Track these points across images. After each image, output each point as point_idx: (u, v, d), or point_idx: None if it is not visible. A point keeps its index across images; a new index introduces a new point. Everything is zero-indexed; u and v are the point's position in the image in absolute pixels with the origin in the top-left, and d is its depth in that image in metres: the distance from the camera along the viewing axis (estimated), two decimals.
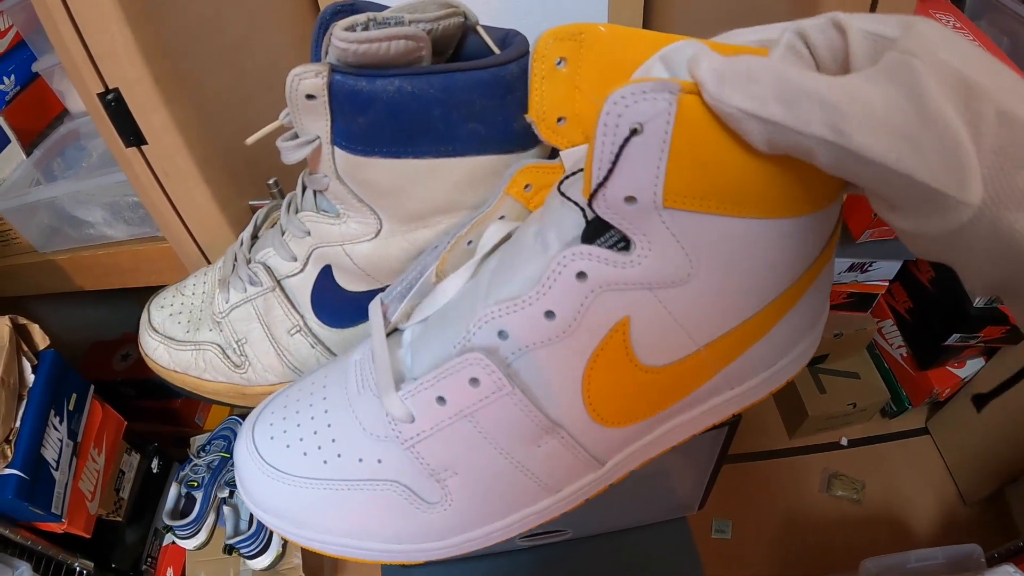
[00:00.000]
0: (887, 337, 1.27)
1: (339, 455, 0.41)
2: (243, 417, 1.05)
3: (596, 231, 0.33)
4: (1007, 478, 1.13)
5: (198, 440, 1.07)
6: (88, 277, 0.94)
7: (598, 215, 0.31)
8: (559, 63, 0.37)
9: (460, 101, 0.41)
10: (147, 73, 0.54)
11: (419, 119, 0.41)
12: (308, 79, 0.39)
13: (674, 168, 0.28)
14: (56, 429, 0.90)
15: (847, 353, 1.23)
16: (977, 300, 1.01)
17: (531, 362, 0.36)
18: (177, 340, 0.54)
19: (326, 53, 0.42)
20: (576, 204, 0.34)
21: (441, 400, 0.37)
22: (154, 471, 1.10)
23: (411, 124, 0.41)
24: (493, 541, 0.44)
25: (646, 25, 0.68)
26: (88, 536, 0.95)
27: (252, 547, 0.97)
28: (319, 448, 0.42)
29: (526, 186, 0.42)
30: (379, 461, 0.40)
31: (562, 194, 0.35)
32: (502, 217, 0.42)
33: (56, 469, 0.89)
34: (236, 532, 0.99)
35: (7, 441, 0.84)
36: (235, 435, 1.05)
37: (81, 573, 0.97)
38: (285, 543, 1.01)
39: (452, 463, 0.40)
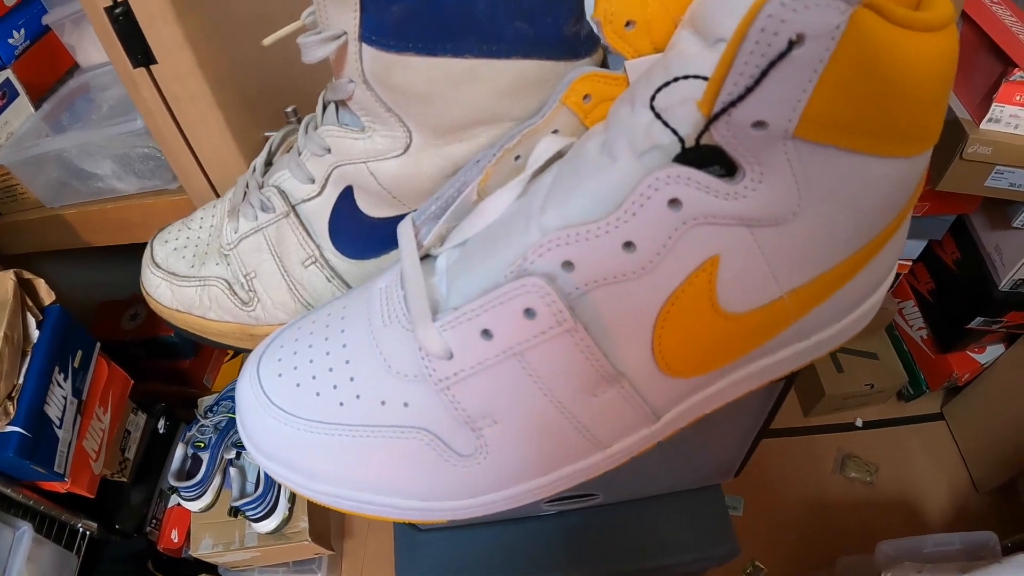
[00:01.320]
0: (908, 318, 1.20)
1: (358, 396, 0.34)
2: (210, 344, 0.98)
3: (695, 154, 0.26)
4: (1020, 468, 1.06)
5: (205, 401, 1.00)
6: (96, 232, 0.88)
7: (701, 139, 0.25)
8: None
9: None
10: None
11: (460, 11, 0.33)
12: None
13: (821, 93, 0.23)
14: (60, 386, 0.83)
15: (866, 333, 1.14)
16: (1003, 283, 0.95)
17: (598, 299, 0.29)
18: (181, 275, 0.46)
19: None
20: (669, 127, 0.27)
21: (487, 333, 0.30)
22: (161, 431, 1.03)
23: (451, 16, 0.33)
24: (528, 500, 0.37)
25: None
26: (92, 496, 0.88)
27: (258, 510, 0.89)
28: (335, 387, 0.34)
29: (585, 96, 0.34)
30: (405, 404, 0.33)
31: (654, 111, 0.27)
32: (555, 131, 0.35)
33: (60, 427, 0.83)
34: (242, 494, 0.92)
35: (9, 398, 0.78)
36: None
37: (84, 534, 0.91)
38: (291, 506, 0.93)
39: (492, 410, 0.32)
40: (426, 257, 0.35)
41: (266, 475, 0.91)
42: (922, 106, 0.26)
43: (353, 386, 0.34)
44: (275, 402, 0.35)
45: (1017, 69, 0.72)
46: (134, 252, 1.09)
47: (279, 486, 0.92)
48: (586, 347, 0.30)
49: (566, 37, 0.36)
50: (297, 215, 0.42)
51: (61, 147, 0.81)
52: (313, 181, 0.41)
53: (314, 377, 0.35)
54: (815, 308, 0.32)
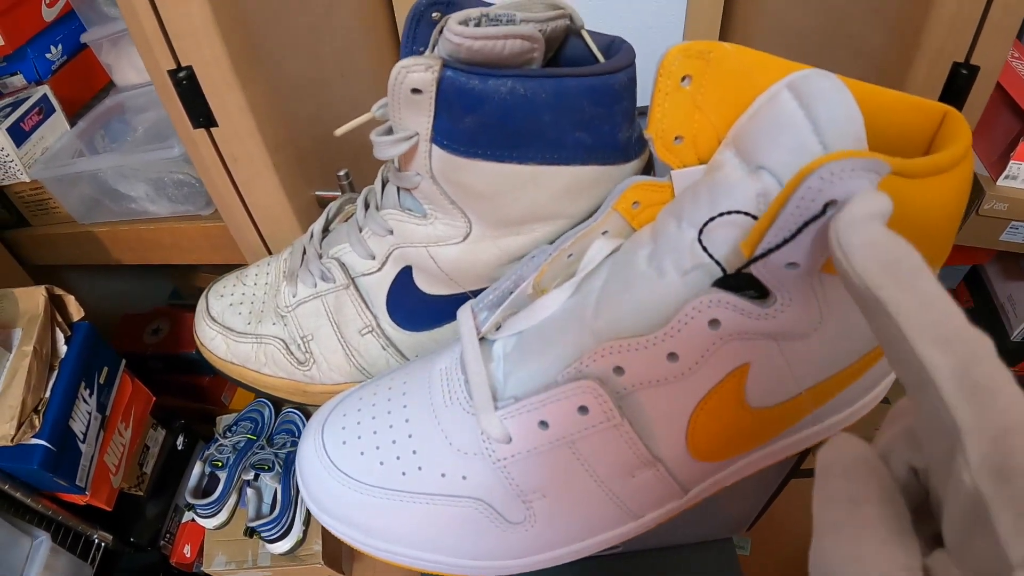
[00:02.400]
0: None
1: (420, 468, 0.39)
2: (272, 400, 1.02)
3: (734, 280, 0.31)
4: None
5: (224, 420, 1.04)
6: (126, 251, 0.92)
7: (742, 271, 0.30)
8: (684, 81, 0.35)
9: (571, 107, 0.38)
10: (224, 52, 0.51)
11: (528, 123, 0.38)
12: (417, 72, 0.36)
13: None
14: (86, 402, 0.87)
15: None
16: (1016, 333, 0.99)
17: (642, 398, 0.34)
18: (237, 331, 0.51)
19: (432, 47, 0.39)
20: (712, 258, 0.32)
21: (543, 424, 0.35)
22: (179, 448, 1.07)
23: (519, 128, 0.38)
24: (566, 560, 0.42)
25: (723, 36, 0.65)
26: (109, 509, 0.92)
27: (273, 531, 0.93)
28: (398, 458, 0.39)
29: (634, 203, 0.39)
30: (464, 477, 0.38)
31: (701, 244, 0.32)
32: (605, 232, 0.39)
33: (83, 442, 0.86)
34: (258, 515, 0.96)
35: (36, 411, 0.81)
36: (262, 418, 1.02)
37: (100, 545, 0.95)
38: (306, 529, 0.98)
39: (543, 486, 0.37)
40: (482, 340, 0.40)
41: (283, 497, 0.95)
42: (936, 237, 0.31)
43: (415, 458, 0.38)
44: (339, 466, 0.40)
45: None
46: (158, 267, 1.14)
47: (295, 509, 0.96)
48: (629, 438, 0.35)
49: (619, 143, 0.41)
50: (356, 287, 0.47)
51: (96, 167, 0.84)
52: (374, 258, 0.46)
53: (378, 447, 0.39)
54: (830, 401, 0.38)
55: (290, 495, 0.95)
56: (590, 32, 0.43)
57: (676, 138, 0.37)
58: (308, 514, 0.98)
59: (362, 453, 0.40)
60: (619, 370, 0.34)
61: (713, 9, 0.65)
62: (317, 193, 0.60)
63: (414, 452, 0.39)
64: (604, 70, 0.39)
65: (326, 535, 0.98)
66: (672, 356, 0.33)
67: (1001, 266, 1.02)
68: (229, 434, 0.99)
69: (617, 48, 0.41)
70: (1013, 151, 0.77)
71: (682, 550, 0.64)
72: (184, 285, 1.26)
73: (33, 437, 0.80)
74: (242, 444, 0.98)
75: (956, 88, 0.55)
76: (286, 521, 0.94)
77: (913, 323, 0.18)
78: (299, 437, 1.00)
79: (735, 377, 0.34)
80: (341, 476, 0.40)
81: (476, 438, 0.37)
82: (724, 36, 0.65)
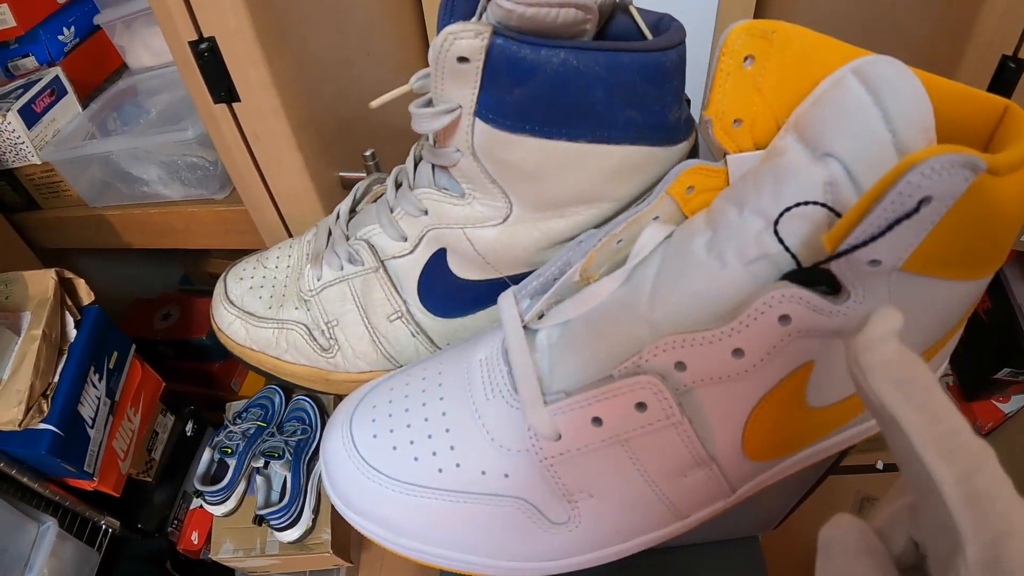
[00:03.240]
0: None
1: (458, 464, 0.35)
2: (282, 387, 0.99)
3: (807, 274, 0.29)
4: None
5: (234, 406, 1.01)
6: (138, 235, 0.89)
7: (820, 266, 0.28)
8: (747, 61, 0.32)
9: (624, 84, 0.35)
10: (249, 24, 0.48)
11: (580, 98, 0.35)
12: (465, 39, 0.33)
13: (933, 238, 0.26)
14: (95, 387, 0.84)
15: None
16: None
17: (703, 395, 0.32)
18: (257, 316, 0.47)
19: (480, 14, 0.35)
20: (789, 251, 0.29)
21: (597, 421, 0.32)
22: (188, 434, 1.04)
23: (571, 103, 0.35)
24: (608, 561, 0.39)
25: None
26: (117, 495, 0.89)
27: (282, 520, 0.90)
28: (434, 454, 0.36)
29: (688, 188, 0.35)
30: (506, 475, 0.35)
31: (777, 235, 0.29)
32: (656, 218, 0.36)
33: (92, 427, 0.84)
34: (267, 503, 0.93)
35: (44, 396, 0.78)
36: (272, 404, 0.99)
37: (107, 531, 0.92)
38: (315, 517, 0.95)
39: (590, 486, 0.34)
40: (524, 329, 0.36)
41: (292, 485, 0.92)
42: (1004, 236, 0.29)
43: (453, 454, 0.35)
44: (369, 462, 0.37)
45: None
46: (169, 252, 1.10)
47: (304, 497, 0.93)
48: (687, 437, 0.32)
49: (669, 123, 0.37)
50: (386, 271, 0.44)
51: (108, 150, 0.81)
52: (406, 239, 0.43)
53: (412, 442, 0.36)
54: None
55: (300, 483, 0.92)
56: (639, 9, 0.39)
57: (735, 121, 0.34)
58: (317, 502, 0.95)
59: (395, 448, 0.36)
60: (681, 365, 0.30)
61: None
62: (341, 174, 0.56)
63: (452, 448, 0.35)
64: (657, 46, 0.35)
65: (335, 524, 0.95)
66: (737, 352, 0.30)
67: (1020, 268, 0.99)
68: (239, 421, 0.96)
69: (666, 26, 0.38)
70: None
71: (708, 547, 0.61)
72: (195, 270, 1.23)
73: (41, 422, 0.77)
74: (252, 431, 0.95)
75: (1004, 81, 0.52)
76: (295, 510, 0.91)
77: (922, 438, 0.20)
78: (309, 424, 0.97)
79: (798, 375, 0.31)
80: (371, 472, 0.37)
81: (521, 434, 0.33)
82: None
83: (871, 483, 1.17)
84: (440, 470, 0.35)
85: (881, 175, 0.28)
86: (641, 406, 0.31)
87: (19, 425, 0.72)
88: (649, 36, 0.38)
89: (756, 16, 0.62)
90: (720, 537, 0.62)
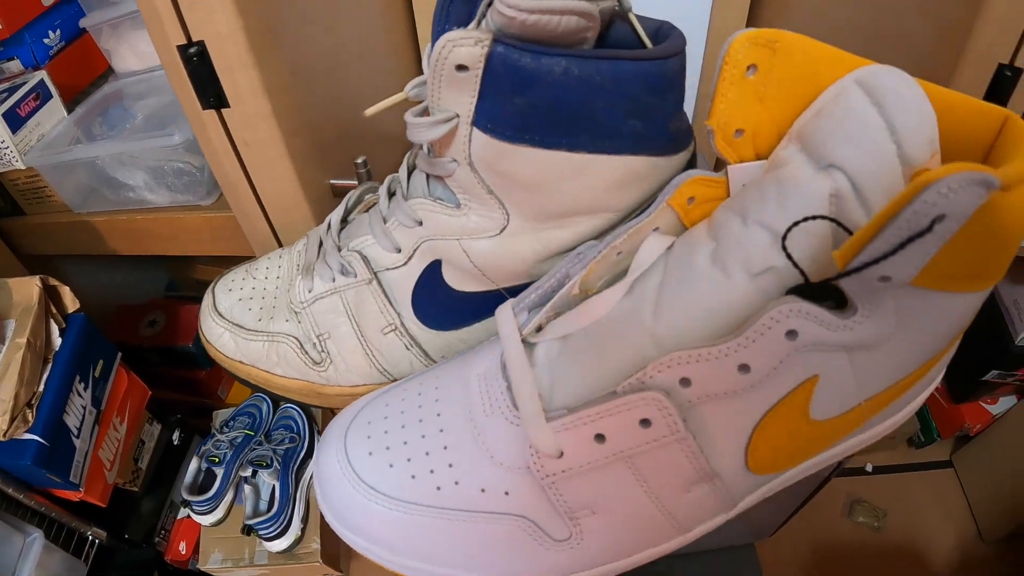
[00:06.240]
0: None
1: (457, 482, 0.34)
2: (270, 396, 0.97)
3: (814, 289, 0.28)
4: None
5: (221, 415, 1.00)
6: (123, 241, 0.87)
7: (831, 282, 0.27)
8: (749, 70, 0.32)
9: (626, 94, 0.34)
10: (240, 27, 0.46)
11: (582, 107, 0.34)
12: (464, 47, 0.32)
13: (943, 254, 0.25)
14: (80, 396, 0.83)
15: None
16: (1020, 338, 0.96)
17: (707, 411, 0.31)
18: (247, 329, 0.46)
19: (479, 21, 0.34)
20: (797, 266, 0.29)
21: (600, 438, 0.31)
22: (175, 443, 1.02)
23: (572, 112, 0.34)
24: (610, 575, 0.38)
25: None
26: (104, 506, 0.87)
27: (271, 529, 0.89)
28: (432, 472, 0.35)
29: (690, 199, 0.35)
30: (506, 493, 0.34)
31: (785, 250, 0.29)
32: (656, 229, 0.35)
33: (77, 437, 0.82)
34: (255, 513, 0.92)
35: (29, 405, 0.77)
36: (260, 413, 0.97)
37: (94, 542, 0.90)
38: (304, 527, 0.93)
39: (593, 502, 0.33)
40: (522, 343, 0.35)
41: (280, 495, 0.91)
42: (1006, 250, 0.28)
43: (452, 472, 0.34)
44: (365, 480, 0.36)
45: None
46: (155, 259, 1.08)
47: (293, 506, 0.92)
48: (692, 453, 0.32)
49: (671, 132, 0.37)
50: (379, 282, 0.42)
51: (94, 155, 0.80)
52: (399, 251, 0.41)
53: (409, 460, 0.35)
54: (882, 411, 0.35)
55: (288, 492, 0.91)
56: (637, 16, 0.38)
57: (737, 131, 0.34)
58: (306, 511, 0.94)
59: (391, 465, 0.35)
60: (686, 381, 0.30)
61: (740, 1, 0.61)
62: (332, 182, 0.55)
63: (450, 465, 0.34)
64: (658, 55, 0.35)
65: (324, 533, 0.94)
66: (744, 368, 0.29)
67: (1007, 272, 0.99)
68: (226, 429, 0.95)
69: (666, 33, 0.37)
70: None
71: (704, 556, 0.60)
72: (180, 277, 1.21)
73: (26, 432, 0.76)
74: (239, 440, 0.93)
75: (1000, 89, 0.52)
76: (284, 519, 0.90)
77: None
78: (297, 432, 0.95)
79: (803, 390, 0.31)
80: (367, 490, 0.35)
81: (522, 452, 0.33)
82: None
83: (860, 485, 1.17)
84: (438, 488, 0.34)
85: (886, 187, 0.28)
86: (645, 422, 0.30)
87: (3, 435, 0.70)
88: (649, 44, 0.37)
89: (748, 25, 0.62)
90: (716, 546, 0.61)
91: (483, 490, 0.34)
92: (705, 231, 0.33)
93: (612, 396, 0.30)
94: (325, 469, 0.37)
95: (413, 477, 0.35)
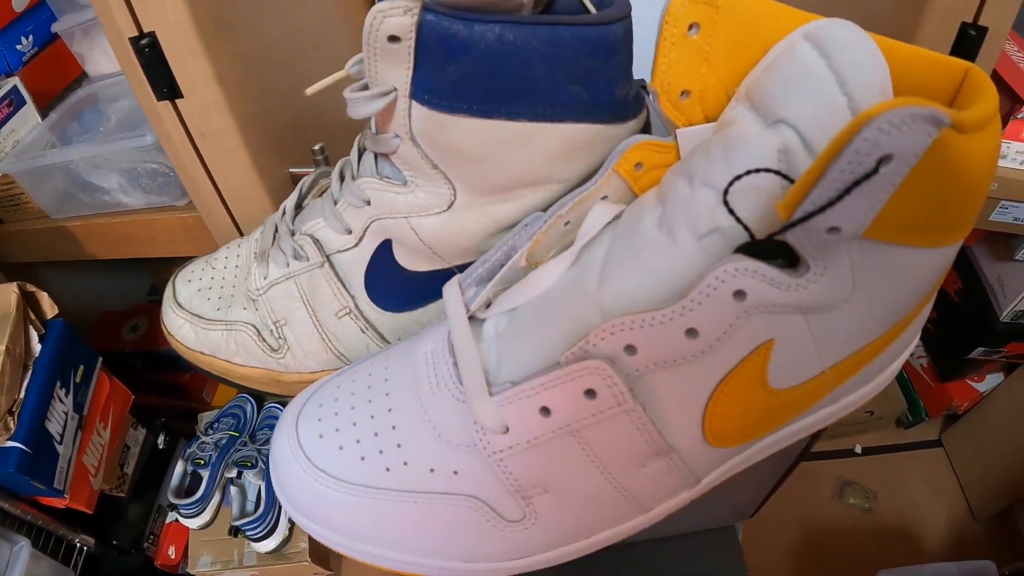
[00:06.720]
0: None
1: (405, 463, 0.33)
2: (254, 396, 0.97)
3: (762, 247, 0.27)
4: (1017, 496, 1.06)
5: (206, 417, 0.99)
6: (101, 245, 0.87)
7: (774, 237, 0.26)
8: (691, 29, 0.31)
9: (566, 59, 0.33)
10: (188, 16, 0.46)
11: (519, 75, 0.33)
12: (394, 17, 0.31)
13: (896, 201, 0.24)
14: (62, 402, 0.82)
15: None
16: (1005, 314, 0.95)
17: (656, 380, 0.30)
18: (206, 318, 0.45)
19: None
20: (740, 221, 0.27)
21: (545, 411, 0.30)
22: (160, 447, 1.01)
23: (509, 79, 0.33)
24: (569, 559, 0.37)
25: None
26: (90, 512, 0.86)
27: (258, 530, 0.88)
28: (380, 453, 0.34)
29: (637, 164, 0.34)
30: (455, 472, 0.33)
31: (727, 206, 0.28)
32: (605, 197, 0.34)
33: (60, 443, 0.81)
34: (242, 514, 0.91)
35: (10, 413, 0.76)
36: (244, 414, 0.96)
37: (82, 549, 0.89)
38: (292, 526, 0.92)
39: (544, 480, 0.32)
40: (471, 319, 0.34)
41: (267, 495, 0.90)
42: (972, 199, 0.27)
43: (400, 452, 0.33)
44: (316, 463, 0.35)
45: None
46: (136, 263, 1.08)
47: (279, 506, 0.91)
48: (642, 425, 0.30)
49: (616, 100, 0.36)
50: (332, 265, 0.42)
51: (68, 159, 0.79)
52: (350, 232, 0.41)
53: (358, 441, 0.34)
54: (851, 379, 0.33)
55: (274, 492, 0.90)
56: None
57: (682, 93, 0.32)
58: None
59: (341, 448, 0.34)
60: (631, 349, 0.28)
61: None
62: (291, 170, 0.54)
63: (399, 445, 0.33)
64: (600, 20, 0.34)
65: None
66: (691, 332, 0.28)
67: (989, 248, 0.99)
68: (211, 431, 0.94)
69: (610, 1, 0.36)
70: (1003, 130, 0.73)
71: (683, 538, 0.59)
72: (162, 281, 1.20)
73: (8, 440, 0.75)
74: (224, 441, 0.92)
75: (965, 49, 0.51)
76: (271, 519, 0.89)
77: None
78: None
79: (758, 355, 0.29)
80: (318, 474, 0.35)
81: (468, 429, 0.32)
82: None
83: (850, 467, 1.17)
84: (387, 469, 0.33)
85: None
86: (590, 393, 0.29)
87: None
88: (592, 11, 0.37)
89: None
90: (697, 528, 0.60)
91: (432, 470, 0.33)
92: (654, 196, 0.32)
93: (556, 367, 0.29)
94: (277, 455, 0.36)
95: (362, 459, 0.34)
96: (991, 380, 1.12)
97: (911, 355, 1.10)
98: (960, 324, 1.05)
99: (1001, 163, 0.77)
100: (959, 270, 1.03)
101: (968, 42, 0.51)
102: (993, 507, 1.10)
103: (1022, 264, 0.92)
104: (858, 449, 1.19)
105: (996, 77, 0.75)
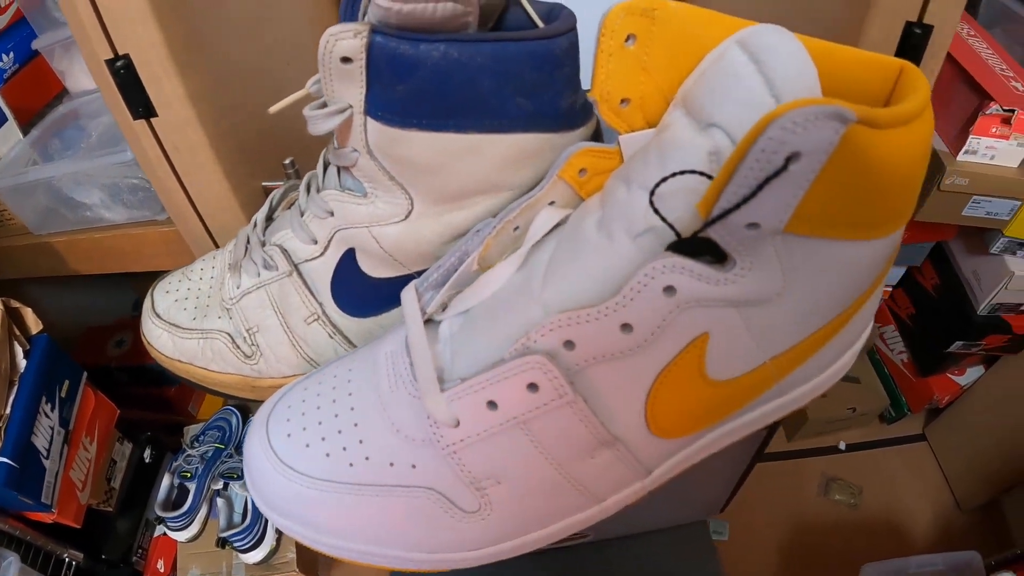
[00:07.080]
0: (888, 343, 1.23)
1: (367, 458, 0.36)
2: (239, 408, 0.99)
3: (689, 244, 0.29)
4: (1002, 486, 1.09)
5: (192, 430, 1.01)
6: (84, 261, 0.88)
7: (698, 235, 0.28)
8: (628, 40, 0.33)
9: (510, 73, 0.36)
10: (161, 39, 0.49)
11: (465, 90, 0.35)
12: (345, 39, 0.34)
13: (810, 197, 0.25)
14: (47, 417, 0.84)
15: None
16: (982, 308, 0.98)
17: (596, 374, 0.32)
18: (182, 328, 0.48)
19: (363, 15, 0.36)
20: (665, 220, 0.29)
21: (492, 405, 0.32)
22: (147, 461, 1.03)
23: (456, 95, 0.35)
24: (528, 550, 0.39)
25: None
26: (78, 527, 0.88)
27: (246, 541, 0.90)
28: (344, 449, 0.36)
29: (581, 171, 0.36)
30: (413, 466, 0.35)
31: (653, 207, 0.30)
32: (552, 203, 0.37)
33: (47, 458, 0.83)
34: (229, 525, 0.93)
35: None
36: (230, 426, 0.99)
37: (70, 564, 0.91)
38: (279, 537, 0.95)
39: (496, 472, 0.35)
40: (428, 322, 0.37)
41: (253, 506, 0.92)
42: (900, 192, 0.29)
43: (362, 448, 0.36)
44: (285, 461, 0.37)
45: (993, 102, 0.74)
46: (120, 278, 1.10)
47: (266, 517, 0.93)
48: (585, 416, 0.33)
49: (563, 110, 0.38)
50: (300, 274, 0.44)
51: (50, 175, 0.81)
52: (316, 242, 0.43)
53: (323, 439, 0.37)
54: (796, 370, 0.35)
55: None
56: (530, 1, 0.40)
57: (622, 101, 0.34)
58: None
59: (307, 445, 0.37)
60: (570, 344, 0.31)
61: None
62: (264, 184, 0.57)
63: (360, 442, 0.36)
64: (544, 34, 0.36)
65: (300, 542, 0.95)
66: (626, 327, 0.30)
67: (965, 242, 1.01)
68: (196, 444, 0.96)
69: (556, 14, 0.39)
70: (972, 126, 0.76)
71: (656, 535, 0.62)
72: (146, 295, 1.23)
73: None
74: (210, 454, 0.95)
75: (910, 48, 0.53)
76: (258, 530, 0.91)
77: None
78: None
79: (695, 348, 0.31)
80: (287, 471, 0.37)
81: (423, 424, 0.34)
82: None
83: (834, 464, 1.19)
84: (351, 464, 0.36)
85: None
86: (533, 387, 0.31)
87: None
88: (540, 26, 0.39)
89: None
90: (667, 524, 0.63)
91: (391, 464, 0.35)
92: (597, 201, 0.34)
93: (500, 363, 0.32)
94: (250, 453, 0.39)
95: (328, 455, 0.36)
96: (971, 374, 1.14)
97: (891, 351, 1.12)
98: (938, 318, 1.07)
99: (971, 159, 0.79)
100: (936, 265, 1.06)
101: (913, 40, 0.52)
102: (979, 498, 1.11)
103: (997, 258, 0.94)
104: (842, 445, 1.21)
105: (965, 74, 0.78)
